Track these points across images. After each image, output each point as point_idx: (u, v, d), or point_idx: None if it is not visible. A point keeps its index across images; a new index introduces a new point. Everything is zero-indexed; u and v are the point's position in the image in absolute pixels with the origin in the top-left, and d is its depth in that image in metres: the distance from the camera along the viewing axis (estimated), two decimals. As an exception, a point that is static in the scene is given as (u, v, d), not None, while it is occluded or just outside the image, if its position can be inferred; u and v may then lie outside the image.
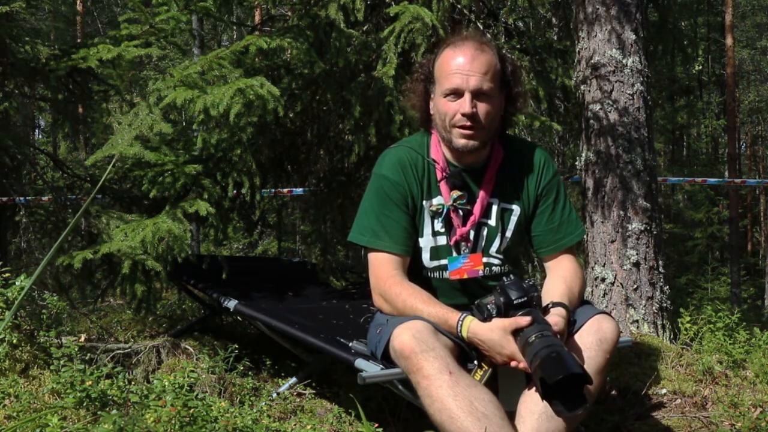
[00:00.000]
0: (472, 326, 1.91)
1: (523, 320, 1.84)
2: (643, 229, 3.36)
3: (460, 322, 1.94)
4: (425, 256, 2.17)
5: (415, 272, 2.16)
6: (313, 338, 2.62)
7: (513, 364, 1.85)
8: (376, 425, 2.01)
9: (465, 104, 2.03)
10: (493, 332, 1.87)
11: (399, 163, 2.14)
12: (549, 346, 1.74)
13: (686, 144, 21.25)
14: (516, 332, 1.84)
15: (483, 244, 2.16)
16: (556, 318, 1.89)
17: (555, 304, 1.96)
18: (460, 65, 2.04)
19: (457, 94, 2.05)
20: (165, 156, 3.37)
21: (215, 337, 3.47)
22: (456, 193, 2.11)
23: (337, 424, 2.51)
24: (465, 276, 2.14)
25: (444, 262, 2.16)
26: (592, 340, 1.94)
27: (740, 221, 18.12)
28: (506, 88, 2.12)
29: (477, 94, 2.04)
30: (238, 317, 3.69)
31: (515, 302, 1.89)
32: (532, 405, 1.87)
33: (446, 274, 2.16)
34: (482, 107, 2.04)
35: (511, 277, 1.95)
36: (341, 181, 4.24)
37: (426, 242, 2.16)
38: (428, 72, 2.15)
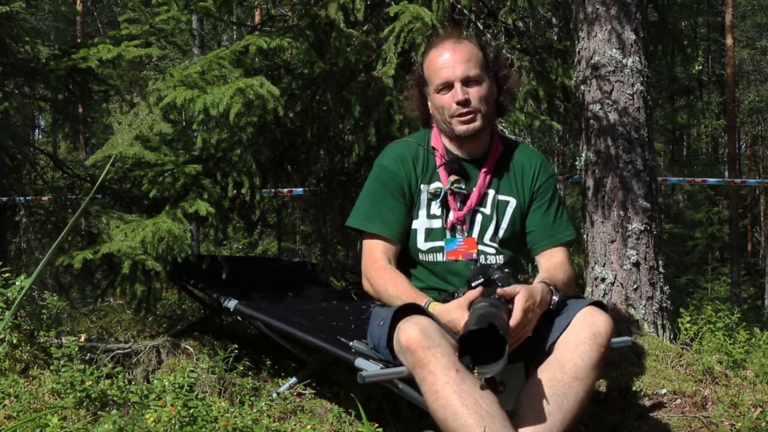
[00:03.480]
0: (436, 310, 1.99)
1: (474, 292, 1.92)
2: (643, 229, 3.36)
3: (425, 309, 2.00)
4: (419, 238, 2.23)
5: (409, 257, 2.24)
6: (313, 338, 2.62)
7: None
8: (376, 425, 2.01)
9: (457, 92, 2.16)
10: (451, 312, 1.94)
11: (399, 155, 2.25)
12: (485, 306, 1.81)
13: (686, 144, 21.25)
14: (471, 307, 1.91)
15: (477, 230, 2.22)
16: (513, 286, 1.93)
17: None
18: (445, 60, 2.19)
19: (448, 86, 2.18)
20: (165, 156, 3.37)
21: (215, 337, 3.46)
22: (454, 177, 2.21)
23: (337, 424, 2.51)
24: (460, 258, 2.19)
25: (438, 243, 2.22)
26: (586, 334, 1.95)
27: (740, 221, 18.11)
28: (493, 72, 2.24)
29: (466, 81, 2.17)
30: (238, 317, 3.69)
31: (473, 285, 1.96)
32: (530, 404, 1.88)
33: (440, 257, 2.22)
34: (473, 92, 2.17)
35: (479, 264, 2.01)
36: (341, 181, 4.23)
37: (421, 224, 2.23)
38: (419, 76, 2.29)
